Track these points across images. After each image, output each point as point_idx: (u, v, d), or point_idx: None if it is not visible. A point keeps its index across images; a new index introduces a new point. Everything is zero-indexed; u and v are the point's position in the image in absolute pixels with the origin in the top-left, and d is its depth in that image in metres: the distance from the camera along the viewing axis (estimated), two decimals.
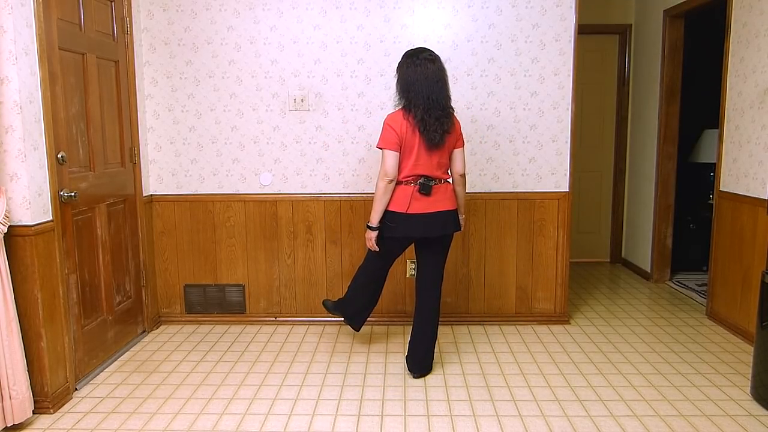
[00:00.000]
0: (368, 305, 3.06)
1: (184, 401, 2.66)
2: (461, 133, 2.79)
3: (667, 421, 2.45)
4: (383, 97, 3.49)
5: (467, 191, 3.54)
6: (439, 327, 3.05)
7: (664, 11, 4.37)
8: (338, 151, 3.55)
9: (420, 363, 2.88)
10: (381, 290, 3.06)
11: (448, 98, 2.68)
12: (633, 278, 4.79)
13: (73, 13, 2.80)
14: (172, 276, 3.68)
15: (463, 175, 2.81)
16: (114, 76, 3.19)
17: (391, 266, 2.98)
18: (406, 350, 2.96)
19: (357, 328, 3.14)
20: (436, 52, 2.73)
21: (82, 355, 2.86)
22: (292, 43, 3.46)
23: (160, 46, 3.49)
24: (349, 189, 3.58)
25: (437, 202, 2.72)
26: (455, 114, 2.74)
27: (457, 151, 2.77)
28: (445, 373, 2.93)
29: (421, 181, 2.68)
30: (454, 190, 2.81)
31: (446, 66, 3.42)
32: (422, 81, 2.62)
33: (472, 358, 3.12)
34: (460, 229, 2.84)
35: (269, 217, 3.60)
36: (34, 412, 2.52)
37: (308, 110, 3.52)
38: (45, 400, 2.54)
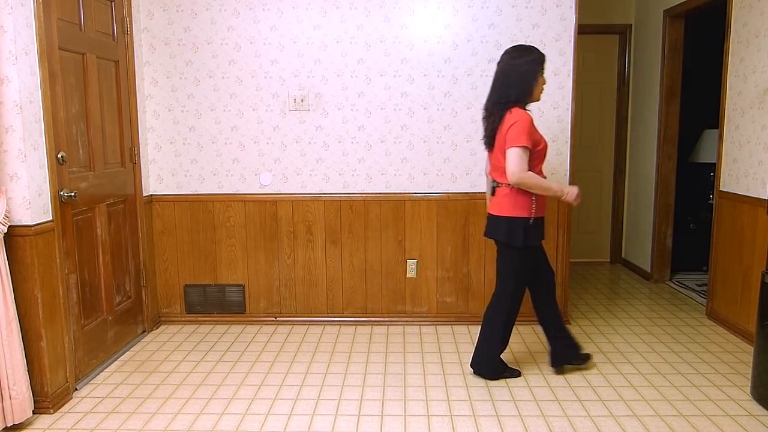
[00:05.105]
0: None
1: (184, 401, 2.66)
2: (506, 132, 2.55)
3: (667, 421, 2.45)
4: (383, 97, 3.49)
5: (470, 191, 3.55)
6: (492, 329, 2.82)
7: (664, 11, 4.37)
8: (338, 151, 3.55)
9: (474, 362, 2.87)
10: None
11: (500, 96, 2.60)
12: (633, 278, 4.79)
13: (73, 13, 2.80)
14: (172, 276, 3.68)
15: (516, 182, 2.55)
16: (114, 76, 3.19)
17: (537, 271, 2.82)
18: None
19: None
20: (524, 46, 2.64)
21: (82, 355, 2.86)
22: (292, 43, 3.46)
23: (160, 46, 3.49)
24: (349, 189, 3.58)
25: (492, 205, 2.73)
26: (511, 111, 2.57)
27: (506, 151, 2.56)
28: (445, 373, 2.93)
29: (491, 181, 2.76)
30: (510, 195, 2.63)
31: (446, 66, 3.46)
32: (493, 82, 2.66)
33: None
34: (506, 242, 2.66)
35: (269, 217, 3.60)
36: (34, 412, 2.52)
37: (308, 110, 3.52)
38: (45, 400, 2.54)
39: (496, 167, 2.68)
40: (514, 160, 2.52)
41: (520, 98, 2.59)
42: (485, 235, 2.78)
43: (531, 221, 2.64)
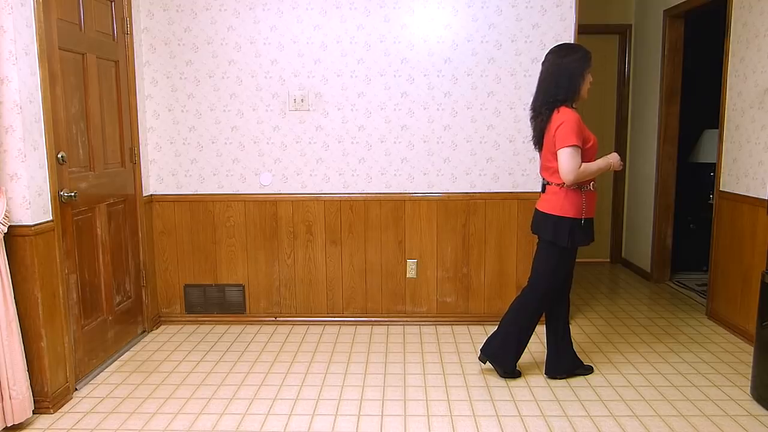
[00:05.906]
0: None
1: (184, 401, 2.66)
2: (555, 132, 2.54)
3: (667, 421, 2.45)
4: (383, 97, 3.49)
5: (470, 191, 3.55)
6: (515, 328, 2.79)
7: (664, 11, 4.37)
8: (338, 151, 3.55)
9: (485, 347, 2.86)
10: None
11: (548, 95, 2.59)
12: (633, 278, 4.79)
13: (73, 13, 2.80)
14: (172, 276, 3.68)
15: (573, 181, 2.54)
16: (114, 76, 3.19)
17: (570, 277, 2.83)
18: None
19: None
20: (566, 45, 2.70)
21: (82, 355, 2.86)
22: (292, 43, 3.46)
23: (160, 46, 3.49)
24: (349, 189, 3.58)
25: (541, 201, 2.71)
26: (558, 111, 2.56)
27: (557, 153, 2.55)
28: (445, 373, 2.93)
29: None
30: (560, 193, 2.61)
31: (446, 66, 3.46)
32: (539, 82, 2.66)
33: (472, 358, 3.12)
34: (552, 241, 2.64)
35: (269, 217, 3.60)
36: (34, 412, 2.52)
37: (308, 110, 3.52)
38: (45, 400, 2.54)
39: (546, 167, 2.67)
40: (567, 160, 2.51)
41: (569, 97, 2.59)
42: (531, 230, 2.78)
43: (583, 222, 2.64)
